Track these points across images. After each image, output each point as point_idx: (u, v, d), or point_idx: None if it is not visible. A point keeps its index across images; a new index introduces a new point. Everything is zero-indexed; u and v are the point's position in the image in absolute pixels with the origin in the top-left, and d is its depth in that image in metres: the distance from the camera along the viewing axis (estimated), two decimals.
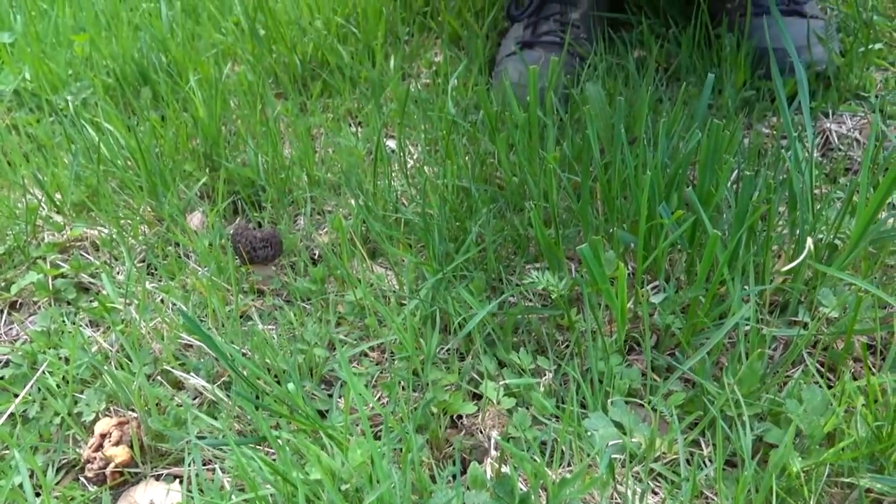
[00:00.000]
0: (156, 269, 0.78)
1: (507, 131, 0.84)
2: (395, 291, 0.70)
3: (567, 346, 0.63)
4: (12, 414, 0.63)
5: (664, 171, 0.64)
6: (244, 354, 0.64)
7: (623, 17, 1.03)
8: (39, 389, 0.64)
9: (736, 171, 0.73)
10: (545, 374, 0.60)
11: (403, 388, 0.61)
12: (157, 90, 1.00)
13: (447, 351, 0.64)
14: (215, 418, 0.60)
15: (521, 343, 0.64)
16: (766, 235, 0.60)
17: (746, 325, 0.57)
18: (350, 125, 0.97)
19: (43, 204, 0.84)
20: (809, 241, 0.59)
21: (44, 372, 0.65)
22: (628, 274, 0.66)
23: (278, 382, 0.61)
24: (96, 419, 0.61)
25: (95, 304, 0.74)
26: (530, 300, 0.67)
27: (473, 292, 0.66)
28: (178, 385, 0.65)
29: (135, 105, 0.99)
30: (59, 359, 0.67)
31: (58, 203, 0.84)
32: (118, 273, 0.78)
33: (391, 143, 0.92)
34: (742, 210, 0.58)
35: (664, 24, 1.02)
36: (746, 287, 0.59)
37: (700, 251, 0.62)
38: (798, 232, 0.62)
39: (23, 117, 1.00)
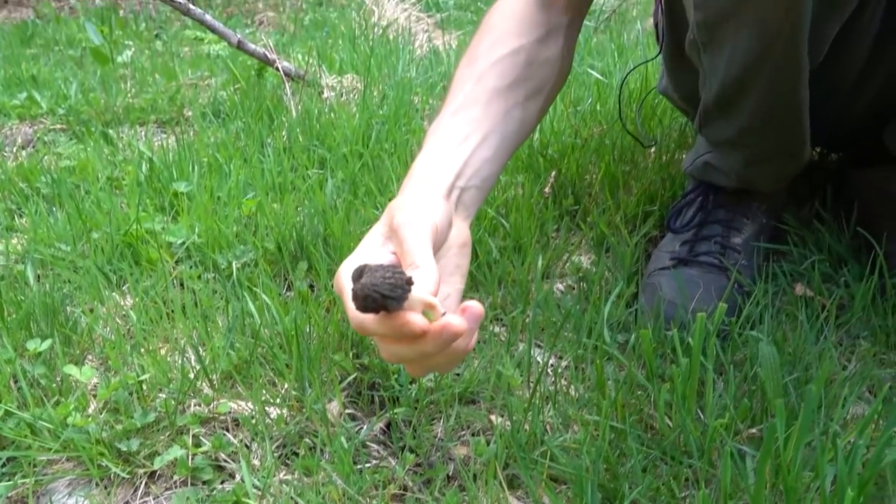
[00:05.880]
0: (291, 462, 0.77)
1: (665, 368, 0.81)
2: None
3: None
4: None
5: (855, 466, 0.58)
6: None
7: (786, 248, 1.00)
8: None
9: None
10: None
11: None
12: (313, 263, 1.05)
13: None
14: None
15: None
16: None
17: None
18: (494, 325, 0.97)
19: (195, 370, 0.87)
20: None
21: None
22: None
23: None
24: None
25: (229, 488, 0.74)
26: None
27: None
28: None
29: (291, 276, 1.03)
30: None
31: (208, 370, 0.87)
32: (254, 457, 0.78)
33: (536, 352, 0.90)
34: None
35: (830, 261, 0.98)
36: None
37: None
38: None
39: (187, 271, 1.06)
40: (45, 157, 1.57)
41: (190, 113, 1.89)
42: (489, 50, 0.79)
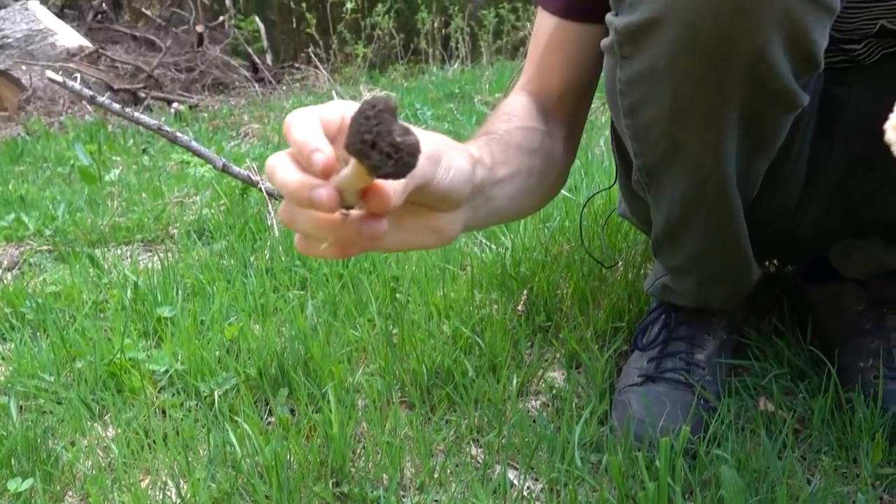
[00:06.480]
0: None
1: (636, 490, 0.83)
2: None
3: None
4: None
5: None
6: None
7: (748, 363, 1.05)
8: None
9: None
10: None
11: None
12: (293, 389, 1.07)
13: None
14: None
15: None
16: None
17: None
18: (471, 445, 0.99)
19: None
20: None
21: None
22: None
23: None
24: None
25: None
26: None
27: None
28: None
29: (272, 402, 1.06)
30: None
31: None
32: None
33: (512, 475, 0.92)
34: None
35: (790, 374, 1.03)
36: None
37: None
38: None
39: (169, 399, 1.08)
40: (31, 282, 1.60)
41: (175, 231, 1.94)
42: (507, 121, 0.81)
